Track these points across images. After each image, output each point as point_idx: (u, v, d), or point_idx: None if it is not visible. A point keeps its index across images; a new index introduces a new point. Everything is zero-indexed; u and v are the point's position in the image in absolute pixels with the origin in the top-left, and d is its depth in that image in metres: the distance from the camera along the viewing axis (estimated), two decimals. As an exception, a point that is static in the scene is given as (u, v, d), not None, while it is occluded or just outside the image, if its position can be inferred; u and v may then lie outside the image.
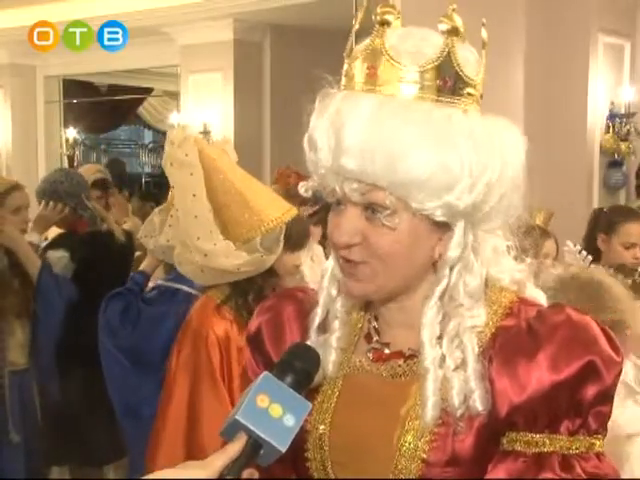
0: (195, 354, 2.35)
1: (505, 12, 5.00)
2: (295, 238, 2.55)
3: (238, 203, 2.36)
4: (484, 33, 1.19)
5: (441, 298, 1.21)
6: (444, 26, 1.15)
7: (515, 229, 1.27)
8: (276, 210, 2.40)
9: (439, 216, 1.17)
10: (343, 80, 1.22)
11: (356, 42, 1.21)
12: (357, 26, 1.22)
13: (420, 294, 1.24)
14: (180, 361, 2.38)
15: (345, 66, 1.22)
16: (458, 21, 1.16)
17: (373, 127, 1.14)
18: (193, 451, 2.25)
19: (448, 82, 1.17)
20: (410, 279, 1.23)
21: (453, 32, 1.15)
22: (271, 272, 2.48)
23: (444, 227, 1.20)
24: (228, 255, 2.34)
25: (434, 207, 1.15)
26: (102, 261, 4.04)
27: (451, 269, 1.21)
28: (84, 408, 3.85)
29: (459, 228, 1.20)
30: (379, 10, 1.17)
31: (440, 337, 1.20)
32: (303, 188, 1.26)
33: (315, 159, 1.20)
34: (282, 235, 2.41)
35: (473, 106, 1.20)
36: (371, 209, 1.17)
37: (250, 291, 2.46)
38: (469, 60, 1.19)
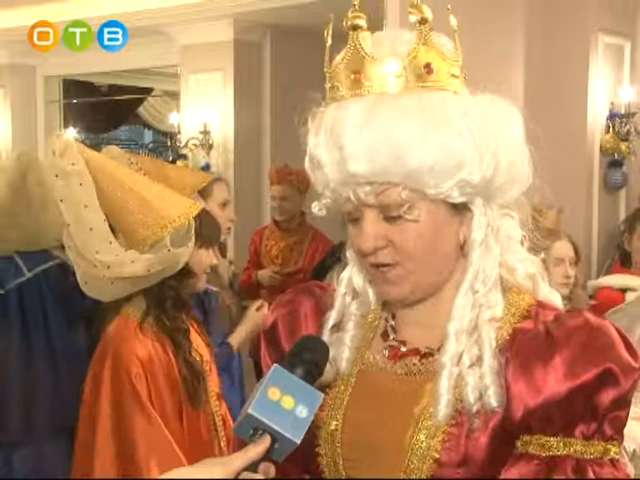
0: (119, 386, 2.21)
1: (505, 12, 4.99)
2: (206, 233, 2.47)
3: (140, 206, 2.22)
4: (453, 20, 1.22)
5: (472, 286, 1.21)
6: (414, 17, 1.18)
7: (529, 224, 1.29)
8: (180, 207, 2.28)
9: (456, 197, 1.18)
10: (329, 94, 1.24)
11: (335, 52, 1.24)
12: (330, 41, 1.24)
13: (449, 291, 1.24)
14: (102, 393, 2.22)
15: (328, 82, 1.24)
16: (427, 11, 1.19)
17: (371, 127, 1.15)
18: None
19: (432, 67, 1.19)
20: (442, 271, 1.24)
21: (423, 21, 1.18)
22: (187, 272, 2.36)
23: (463, 210, 1.21)
24: (134, 260, 2.20)
25: (449, 187, 1.17)
26: None
27: (476, 252, 1.22)
28: None
29: (478, 206, 1.21)
30: (349, 15, 1.19)
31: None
32: (317, 207, 1.27)
33: (322, 176, 1.21)
34: (192, 230, 2.29)
35: (461, 87, 1.22)
36: (387, 210, 1.18)
37: (166, 298, 2.33)
38: (445, 44, 1.22)
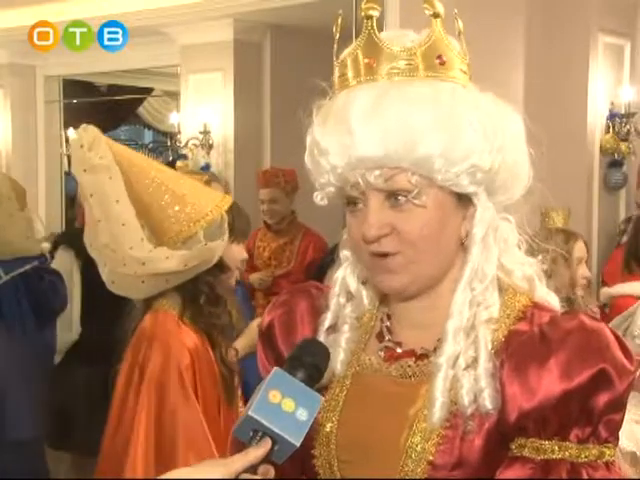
0: (166, 377, 2.18)
1: (505, 12, 4.99)
2: (238, 227, 2.43)
3: (173, 202, 2.18)
4: (460, 24, 1.24)
5: (470, 282, 1.22)
6: (428, 11, 1.21)
7: (527, 226, 1.30)
8: (212, 200, 2.25)
9: (464, 185, 1.19)
10: (338, 83, 1.25)
11: (339, 49, 1.25)
12: (338, 35, 1.26)
13: (446, 287, 1.25)
14: (144, 383, 2.18)
15: (336, 71, 1.25)
16: (439, 7, 1.20)
17: (383, 112, 1.16)
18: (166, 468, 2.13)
19: (444, 59, 1.21)
20: (441, 264, 1.24)
21: (436, 16, 1.20)
22: (222, 267, 2.32)
23: (467, 204, 1.22)
24: (169, 256, 2.15)
25: (459, 173, 1.17)
26: None
27: (477, 246, 1.22)
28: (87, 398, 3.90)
29: (481, 201, 1.22)
30: (363, 6, 1.21)
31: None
32: (319, 197, 1.27)
33: (328, 163, 1.21)
34: (225, 224, 2.26)
35: (469, 83, 1.24)
36: (394, 197, 1.18)
37: (200, 294, 2.29)
38: (454, 42, 1.24)
